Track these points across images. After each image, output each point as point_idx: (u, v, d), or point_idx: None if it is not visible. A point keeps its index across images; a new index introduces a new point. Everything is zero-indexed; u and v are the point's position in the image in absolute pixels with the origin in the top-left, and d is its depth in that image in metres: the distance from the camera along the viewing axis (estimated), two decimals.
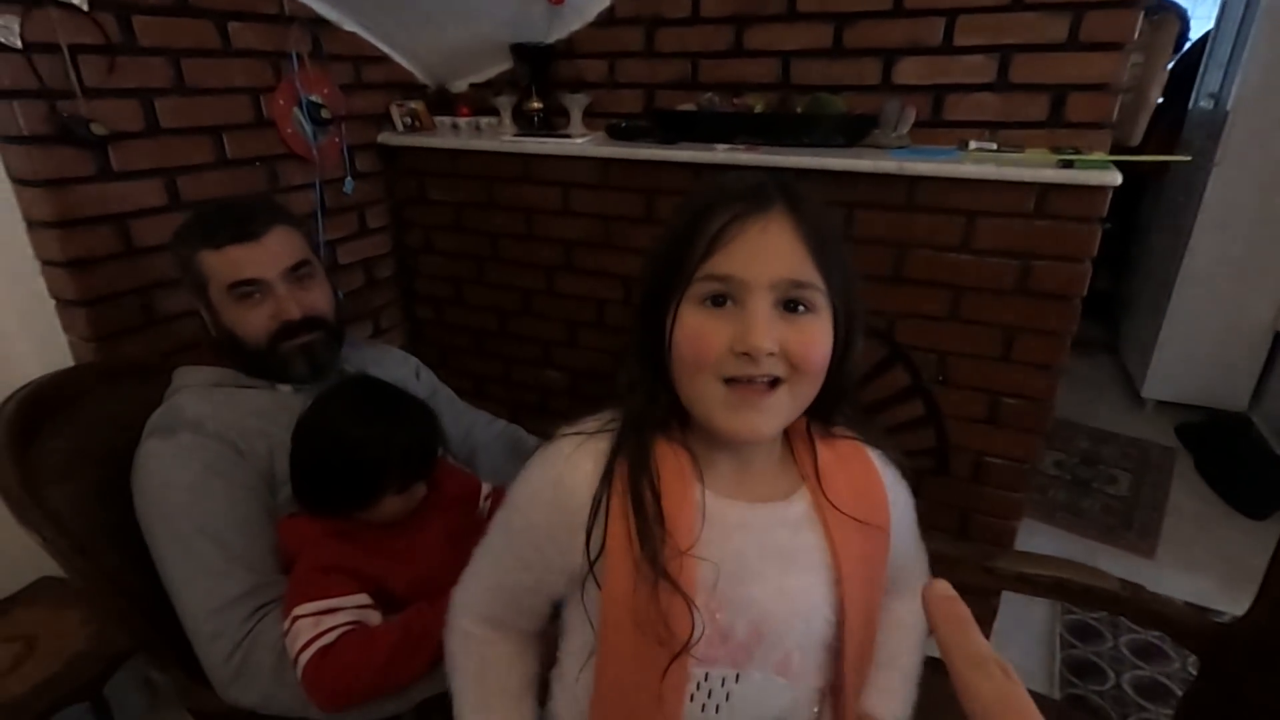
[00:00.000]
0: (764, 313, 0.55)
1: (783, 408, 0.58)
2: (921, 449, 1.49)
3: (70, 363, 1.26)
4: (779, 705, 0.63)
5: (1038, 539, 2.10)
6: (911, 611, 0.79)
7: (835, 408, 0.66)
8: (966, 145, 1.31)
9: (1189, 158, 1.36)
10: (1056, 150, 1.25)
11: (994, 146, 1.29)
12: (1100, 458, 2.52)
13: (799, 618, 0.62)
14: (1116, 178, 1.15)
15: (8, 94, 1.09)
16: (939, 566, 1.11)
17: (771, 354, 0.55)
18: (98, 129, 1.16)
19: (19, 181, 1.15)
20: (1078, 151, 1.23)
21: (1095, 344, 3.38)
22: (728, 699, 0.61)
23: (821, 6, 1.43)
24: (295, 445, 0.91)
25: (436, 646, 0.83)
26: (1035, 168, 1.19)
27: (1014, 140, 1.34)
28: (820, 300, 0.57)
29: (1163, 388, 2.73)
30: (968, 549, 1.16)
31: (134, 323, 1.30)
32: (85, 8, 1.14)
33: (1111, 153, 1.29)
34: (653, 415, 0.62)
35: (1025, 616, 1.78)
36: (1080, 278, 1.25)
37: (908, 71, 1.40)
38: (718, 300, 0.56)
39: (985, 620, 1.58)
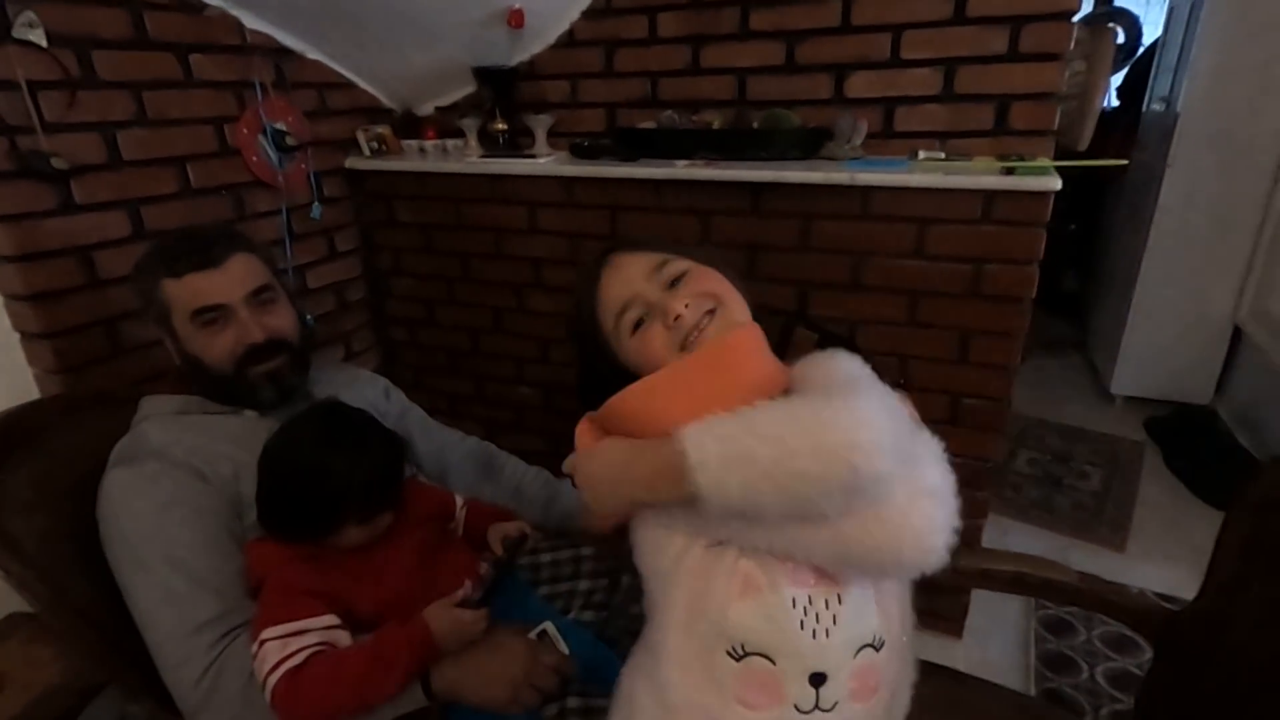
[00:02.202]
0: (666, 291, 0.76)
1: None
2: None
3: (36, 395, 1.26)
4: (873, 618, 0.66)
5: (1011, 537, 2.14)
6: None
7: None
8: (916, 155, 1.35)
9: (1125, 161, 1.41)
10: (1002, 158, 1.30)
11: (942, 156, 1.34)
12: (1072, 454, 2.57)
13: None
14: (1056, 183, 1.19)
15: None
16: None
17: None
18: (58, 163, 1.17)
19: None
20: (1022, 159, 1.27)
21: (1065, 343, 3.45)
22: (835, 621, 0.63)
23: (773, 25, 1.47)
24: (260, 471, 0.91)
25: (405, 668, 0.85)
26: (980, 175, 1.24)
27: (962, 149, 1.38)
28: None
29: (1130, 384, 2.79)
30: None
31: (100, 353, 1.30)
32: (44, 44, 1.16)
33: (1059, 158, 1.34)
34: None
35: (1000, 614, 1.81)
36: (1028, 279, 1.29)
37: (858, 85, 1.45)
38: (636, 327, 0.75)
39: (956, 617, 1.60)
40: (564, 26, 1.65)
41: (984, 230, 1.28)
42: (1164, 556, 2.00)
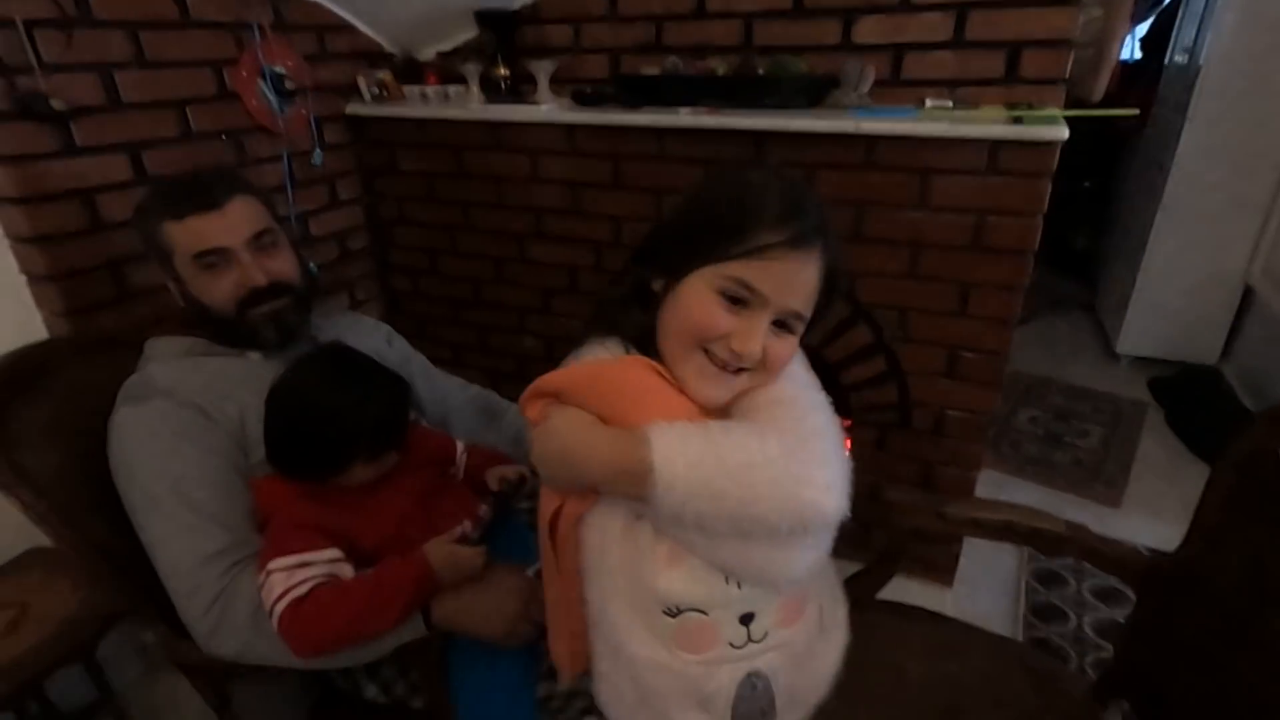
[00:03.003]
0: (763, 328, 0.65)
1: (739, 387, 0.69)
2: (884, 404, 1.53)
3: (46, 337, 1.28)
4: None
5: (1008, 491, 2.16)
6: None
7: None
8: (924, 104, 1.33)
9: (1136, 110, 1.37)
10: (1011, 107, 1.27)
11: (950, 105, 1.31)
12: (1073, 413, 2.58)
13: None
14: (1063, 132, 1.17)
15: None
16: (898, 514, 1.17)
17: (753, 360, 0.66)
18: (57, 104, 1.17)
19: None
20: (1031, 108, 1.25)
21: (1073, 302, 3.42)
22: None
23: None
24: (268, 412, 0.93)
25: (406, 599, 0.88)
26: (987, 124, 1.21)
27: (971, 98, 1.36)
28: (801, 326, 0.69)
29: (1136, 343, 2.78)
30: (924, 497, 1.21)
31: (106, 297, 1.32)
32: None
33: (1071, 109, 1.31)
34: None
35: (994, 565, 1.85)
36: (1031, 232, 1.27)
37: (867, 31, 1.41)
38: (732, 298, 0.65)
39: (948, 567, 1.64)
40: None
41: (989, 181, 1.27)
42: (1158, 513, 2.03)
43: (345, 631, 0.86)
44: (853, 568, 1.30)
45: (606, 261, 1.67)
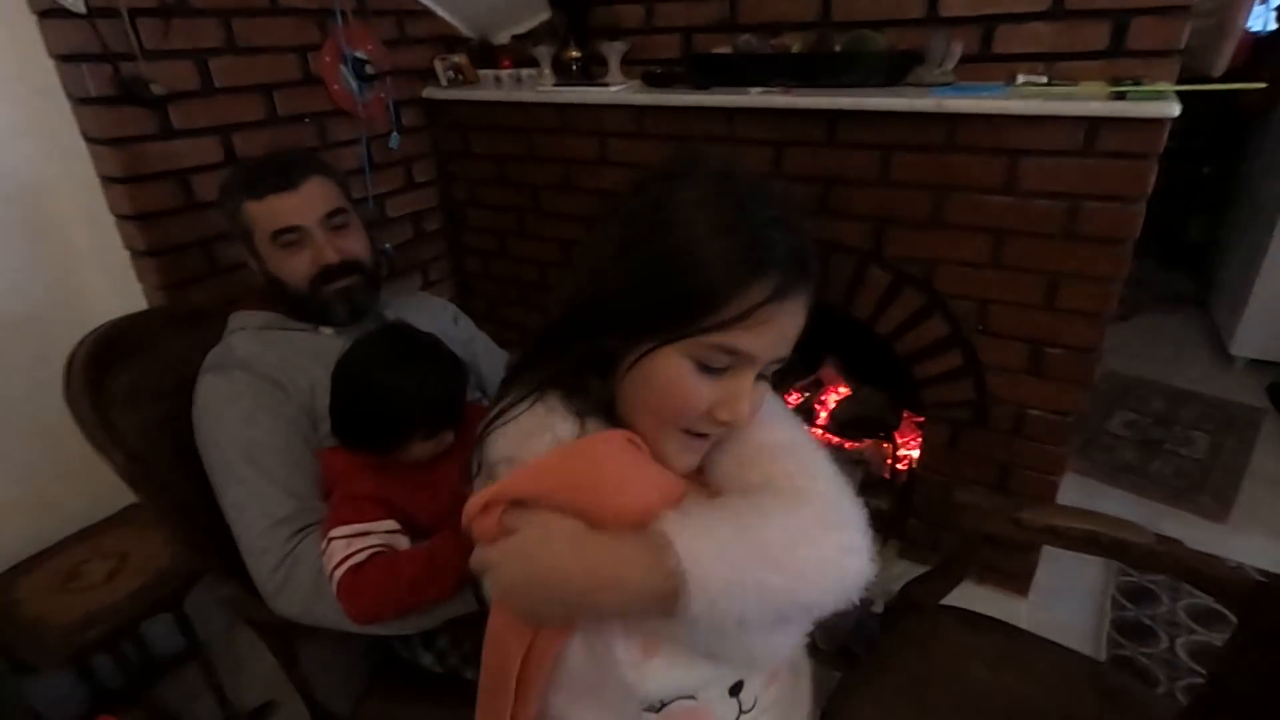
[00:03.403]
0: (750, 387, 0.56)
1: (715, 441, 0.61)
2: (959, 400, 1.45)
3: (144, 309, 1.37)
4: None
5: (1097, 500, 2.03)
6: None
7: None
8: (1014, 80, 1.23)
9: (1262, 85, 1.23)
10: (1114, 82, 1.16)
11: (1045, 80, 1.21)
12: (1177, 418, 2.38)
13: None
14: (1174, 108, 1.06)
15: (76, 57, 1.17)
16: (968, 517, 1.11)
17: None
18: (157, 89, 1.24)
19: (90, 140, 1.25)
20: (1138, 83, 1.14)
21: (1183, 299, 3.15)
22: None
23: None
24: (333, 386, 0.97)
25: (457, 573, 0.90)
26: (1084, 101, 1.12)
27: (1071, 73, 1.25)
28: (781, 365, 0.59)
29: (1254, 345, 2.53)
30: (998, 500, 1.14)
31: (199, 272, 1.40)
32: None
33: (1185, 84, 1.19)
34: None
35: (1077, 577, 1.73)
36: (1132, 219, 1.17)
37: (955, 2, 1.32)
38: (715, 368, 0.54)
39: (1023, 575, 1.54)
40: None
41: (1085, 163, 1.17)
42: (1272, 531, 1.85)
43: (397, 600, 0.89)
44: (918, 570, 1.25)
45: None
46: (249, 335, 1.08)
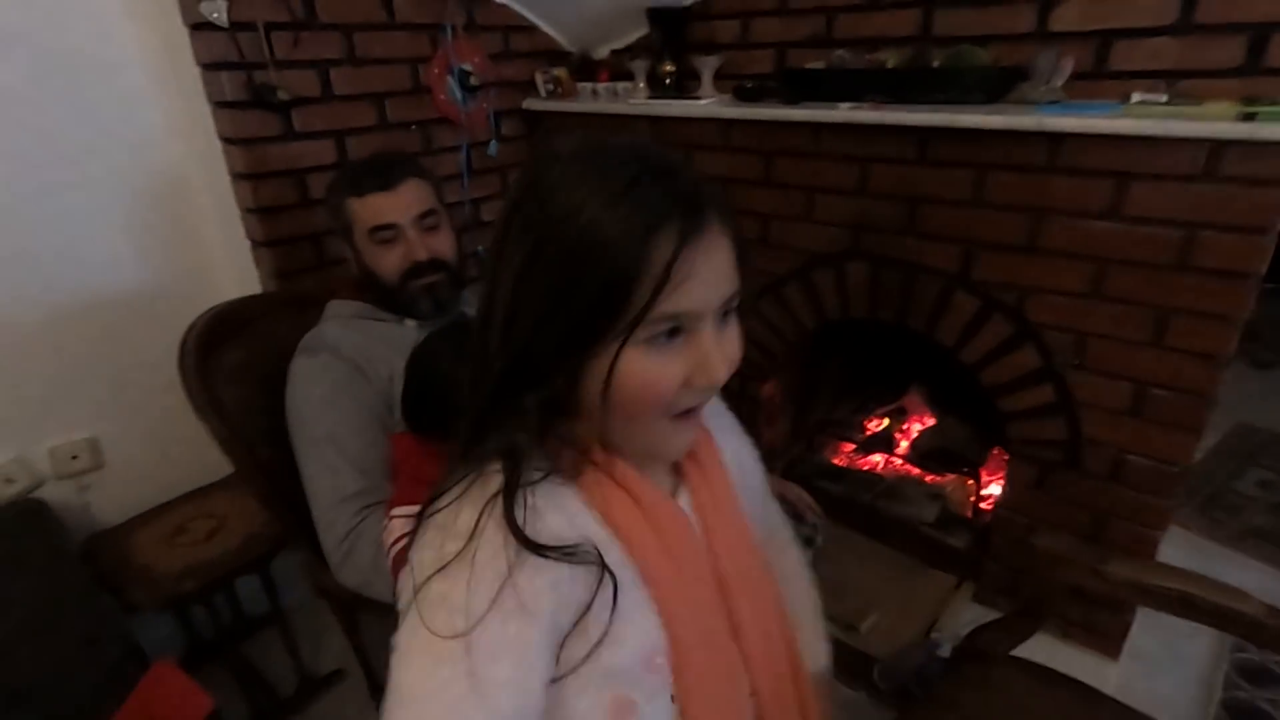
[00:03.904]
0: (715, 340, 0.52)
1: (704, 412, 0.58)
2: (1049, 439, 1.35)
3: (258, 293, 1.50)
4: None
5: (1217, 565, 1.82)
6: (793, 561, 0.81)
7: None
8: (1129, 99, 1.15)
9: None
10: (1248, 101, 1.06)
11: (1163, 99, 1.12)
12: None
13: None
14: None
15: (218, 66, 1.31)
16: (1046, 564, 1.03)
17: None
18: (283, 94, 1.37)
19: (225, 140, 1.39)
20: (1274, 104, 1.03)
21: None
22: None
23: None
24: (405, 375, 1.03)
25: None
26: (1207, 121, 1.02)
27: (1199, 92, 1.14)
28: (738, 298, 0.54)
29: None
30: (1082, 549, 1.05)
31: (308, 262, 1.52)
32: None
33: None
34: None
35: (1185, 648, 1.57)
36: (1257, 251, 1.05)
37: (1068, 16, 1.24)
38: (670, 335, 0.51)
39: (1116, 636, 1.41)
40: None
41: (1205, 189, 1.06)
42: None
43: None
44: (991, 616, 1.17)
45: (751, 259, 1.64)
46: (340, 322, 1.17)
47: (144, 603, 1.28)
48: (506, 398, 0.53)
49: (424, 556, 0.52)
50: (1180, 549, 1.87)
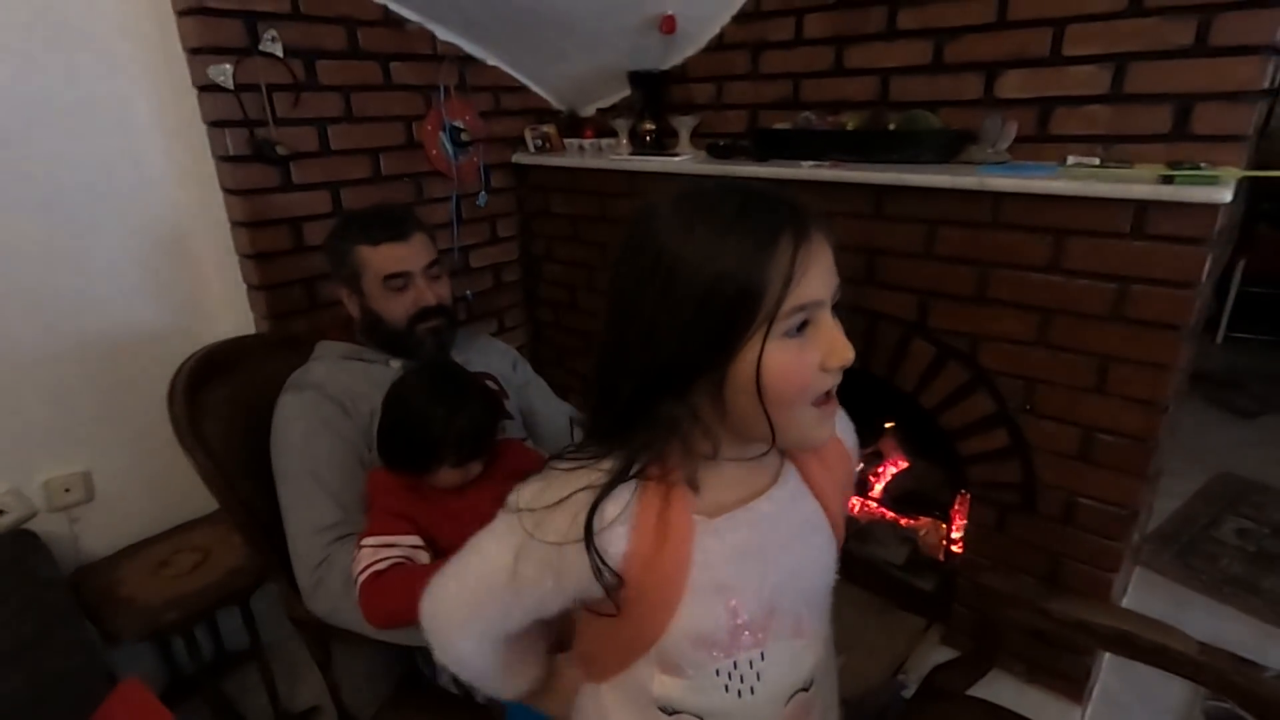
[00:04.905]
0: (837, 325, 0.58)
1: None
2: (1006, 482, 1.39)
3: (251, 333, 1.57)
4: (802, 665, 0.68)
5: (1189, 611, 1.84)
6: None
7: None
8: (1065, 161, 1.23)
9: None
10: (1174, 165, 1.14)
11: (1097, 162, 1.20)
12: None
13: (809, 580, 0.68)
14: (1224, 195, 1.03)
15: (222, 124, 1.41)
16: (991, 602, 1.07)
17: None
18: (282, 150, 1.46)
19: (226, 190, 1.48)
20: (1196, 167, 1.11)
21: None
22: (759, 678, 0.64)
23: (921, 23, 1.41)
24: (381, 410, 1.09)
25: None
26: (1128, 184, 1.10)
27: (1130, 155, 1.23)
28: (839, 295, 0.60)
29: None
30: (1025, 587, 1.09)
31: (300, 306, 1.60)
32: (281, 55, 1.45)
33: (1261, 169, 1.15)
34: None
35: (1156, 695, 1.57)
36: (1185, 305, 1.11)
37: (1011, 85, 1.34)
38: (799, 329, 0.57)
39: (1077, 679, 1.43)
40: (715, 30, 1.71)
41: (1134, 246, 1.14)
42: None
43: (411, 608, 0.96)
44: (950, 655, 1.20)
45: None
46: (327, 362, 1.23)
47: (127, 632, 1.31)
48: (644, 405, 0.60)
49: (527, 490, 0.65)
50: (1157, 596, 1.88)
